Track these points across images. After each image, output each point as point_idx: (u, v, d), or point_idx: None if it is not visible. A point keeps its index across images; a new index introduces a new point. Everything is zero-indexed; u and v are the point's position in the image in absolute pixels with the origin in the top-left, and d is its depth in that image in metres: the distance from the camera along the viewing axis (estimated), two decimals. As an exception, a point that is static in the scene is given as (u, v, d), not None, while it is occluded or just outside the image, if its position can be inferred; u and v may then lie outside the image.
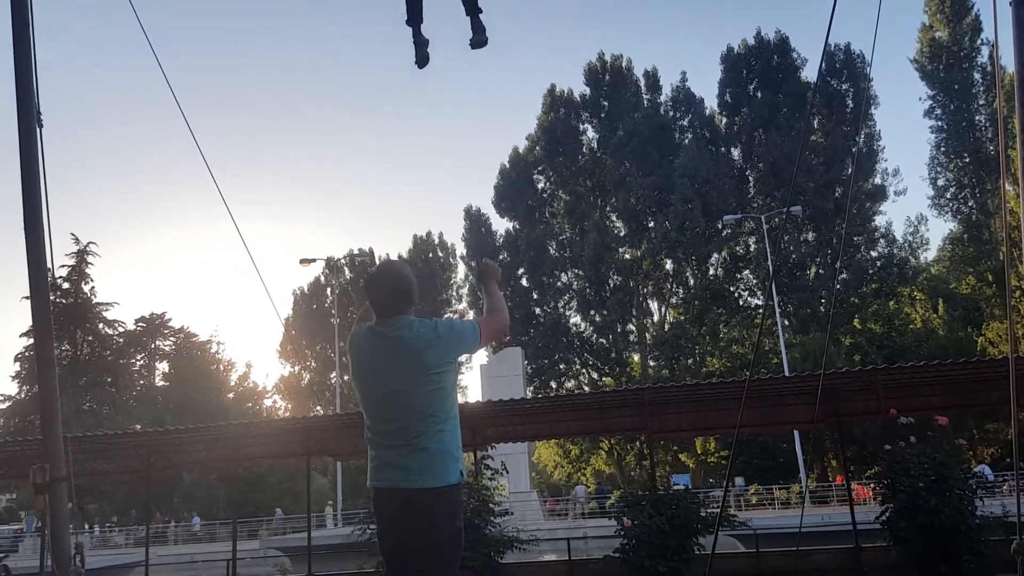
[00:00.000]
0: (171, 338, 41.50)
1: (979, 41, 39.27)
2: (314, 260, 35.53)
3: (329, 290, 50.19)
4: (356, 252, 50.97)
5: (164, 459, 14.47)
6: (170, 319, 40.87)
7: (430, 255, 51.60)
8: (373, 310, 3.17)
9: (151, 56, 5.17)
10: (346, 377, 45.88)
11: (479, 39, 4.82)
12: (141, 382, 39.52)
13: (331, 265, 49.38)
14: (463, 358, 3.12)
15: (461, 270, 49.68)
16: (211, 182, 5.30)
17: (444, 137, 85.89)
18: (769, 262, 33.30)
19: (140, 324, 39.57)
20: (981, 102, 39.61)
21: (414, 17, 4.76)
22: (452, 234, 54.35)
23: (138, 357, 39.95)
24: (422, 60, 4.93)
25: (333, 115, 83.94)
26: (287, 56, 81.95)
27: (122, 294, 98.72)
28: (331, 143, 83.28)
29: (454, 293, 51.68)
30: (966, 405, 12.72)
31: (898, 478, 9.23)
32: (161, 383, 40.32)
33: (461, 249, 47.62)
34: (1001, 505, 11.19)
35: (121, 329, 37.82)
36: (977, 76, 39.86)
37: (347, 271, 51.01)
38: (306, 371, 50.09)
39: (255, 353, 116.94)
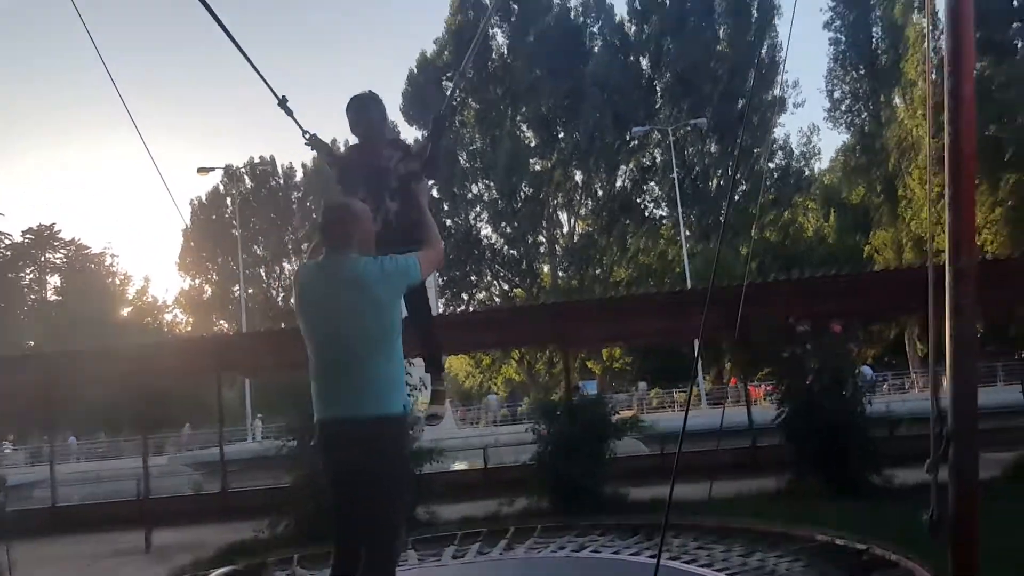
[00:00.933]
0: (62, 251, 39.45)
1: (879, -48, 39.89)
2: (213, 169, 34.17)
3: (229, 200, 48.50)
4: (257, 160, 49.25)
5: (65, 378, 14.00)
6: (60, 231, 38.76)
7: (336, 163, 50.30)
8: (323, 242, 3.21)
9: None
10: (251, 290, 45.02)
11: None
12: (32, 297, 37.59)
13: (230, 174, 47.67)
14: None
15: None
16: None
17: (349, 37, 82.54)
18: (674, 174, 33.96)
19: (27, 236, 37.35)
20: (878, 14, 40.52)
21: None
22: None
23: (27, 271, 37.86)
24: None
25: (234, 11, 79.13)
26: (173, -53, 76.20)
27: (7, 205, 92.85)
28: (228, 43, 78.81)
29: (359, 203, 50.80)
30: (858, 312, 13.53)
31: (795, 382, 9.86)
32: (54, 297, 38.51)
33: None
34: (885, 404, 12.09)
35: (8, 241, 35.64)
36: (875, -14, 40.65)
37: (248, 180, 49.33)
38: (208, 284, 48.76)
39: (153, 267, 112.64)
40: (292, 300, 3.39)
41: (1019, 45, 32.54)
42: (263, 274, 49.35)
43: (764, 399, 31.75)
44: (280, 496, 10.47)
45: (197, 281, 48.47)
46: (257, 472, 15.97)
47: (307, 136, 4.00)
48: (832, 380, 9.46)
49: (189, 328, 46.85)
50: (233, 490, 13.18)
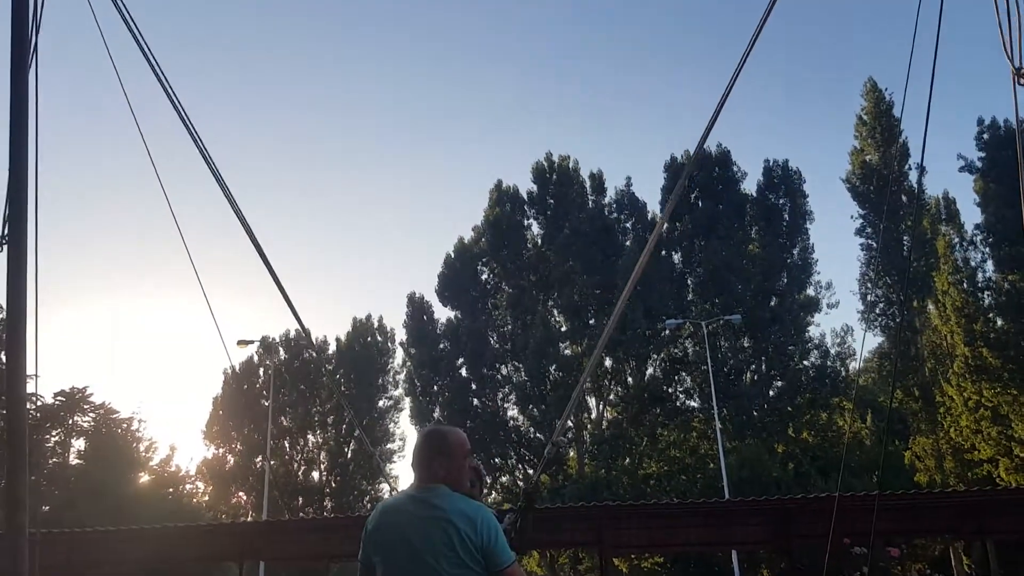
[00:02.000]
0: (91, 414, 39.47)
1: (907, 166, 41.72)
2: (251, 342, 34.72)
3: (262, 370, 48.87)
4: (292, 333, 50.05)
5: (83, 556, 13.53)
6: (91, 394, 38.98)
7: (368, 339, 50.97)
8: (414, 468, 3.10)
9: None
10: (273, 462, 44.35)
11: None
12: (53, 460, 37.29)
13: (266, 345, 48.33)
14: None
15: (399, 356, 49.14)
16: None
17: (389, 221, 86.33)
18: (708, 367, 33.83)
19: (59, 398, 37.60)
20: (909, 224, 41.72)
21: None
22: (392, 319, 54.14)
23: (53, 433, 37.81)
24: None
25: (277, 192, 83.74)
26: (242, 128, 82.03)
27: (42, 365, 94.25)
28: (273, 218, 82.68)
29: (391, 379, 50.98)
30: (913, 531, 12.87)
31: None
32: (76, 461, 38.13)
33: (401, 335, 47.27)
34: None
35: (40, 402, 35.91)
36: (904, 199, 42.15)
37: (282, 351, 49.91)
38: (231, 454, 48.20)
39: (179, 434, 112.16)
40: (367, 527, 3.19)
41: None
42: (287, 445, 48.85)
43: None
44: None
45: (221, 451, 47.99)
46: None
47: None
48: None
49: (207, 498, 45.78)
50: None
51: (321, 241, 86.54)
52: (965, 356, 34.35)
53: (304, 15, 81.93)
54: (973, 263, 38.15)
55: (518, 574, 2.94)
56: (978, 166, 34.87)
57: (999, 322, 33.84)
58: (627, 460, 38.94)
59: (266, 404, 46.43)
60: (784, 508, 11.72)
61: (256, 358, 49.04)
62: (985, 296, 37.15)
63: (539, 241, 43.73)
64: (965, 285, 37.12)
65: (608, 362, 41.20)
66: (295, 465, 49.45)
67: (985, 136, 34.65)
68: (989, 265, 37.35)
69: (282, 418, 48.31)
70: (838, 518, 11.13)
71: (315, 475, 49.89)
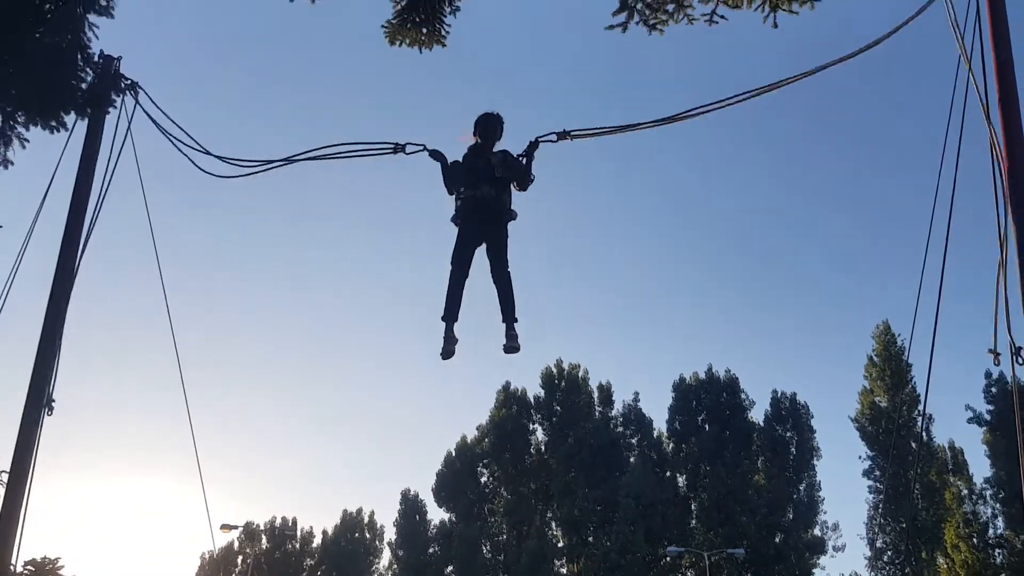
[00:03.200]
0: (56, 586, 37.58)
1: (916, 412, 41.70)
2: (235, 527, 33.52)
3: (241, 558, 46.86)
4: (279, 521, 48.46)
5: None
6: (62, 566, 37.26)
7: (356, 534, 49.06)
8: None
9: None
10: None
11: (511, 345, 5.99)
12: (5, 634, 34.94)
13: (249, 532, 46.61)
14: None
15: (386, 556, 47.05)
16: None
17: (391, 413, 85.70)
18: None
19: (28, 567, 35.84)
20: (918, 471, 41.08)
21: (450, 315, 5.73)
22: (382, 515, 52.31)
23: (16, 605, 35.75)
24: (447, 354, 6.01)
25: (268, 374, 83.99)
26: (227, 312, 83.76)
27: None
28: (262, 402, 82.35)
29: (376, 580, 48.50)
30: None
31: None
32: (30, 638, 35.78)
33: (390, 533, 45.61)
34: None
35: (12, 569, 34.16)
36: (913, 445, 41.78)
37: (264, 539, 48.01)
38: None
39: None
40: None
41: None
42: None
43: None
44: None
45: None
46: None
47: (432, 150, 6.08)
48: None
49: None
50: None
51: (316, 430, 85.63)
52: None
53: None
54: (983, 518, 37.29)
55: None
56: (987, 419, 34.88)
57: (1010, 582, 32.44)
58: None
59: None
60: None
61: (237, 544, 47.14)
62: (996, 554, 35.97)
63: (543, 448, 43.16)
64: (975, 540, 36.06)
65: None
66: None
67: (993, 390, 34.96)
68: (1000, 521, 36.44)
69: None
70: None
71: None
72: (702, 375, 42.84)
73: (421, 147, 6.04)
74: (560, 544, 40.20)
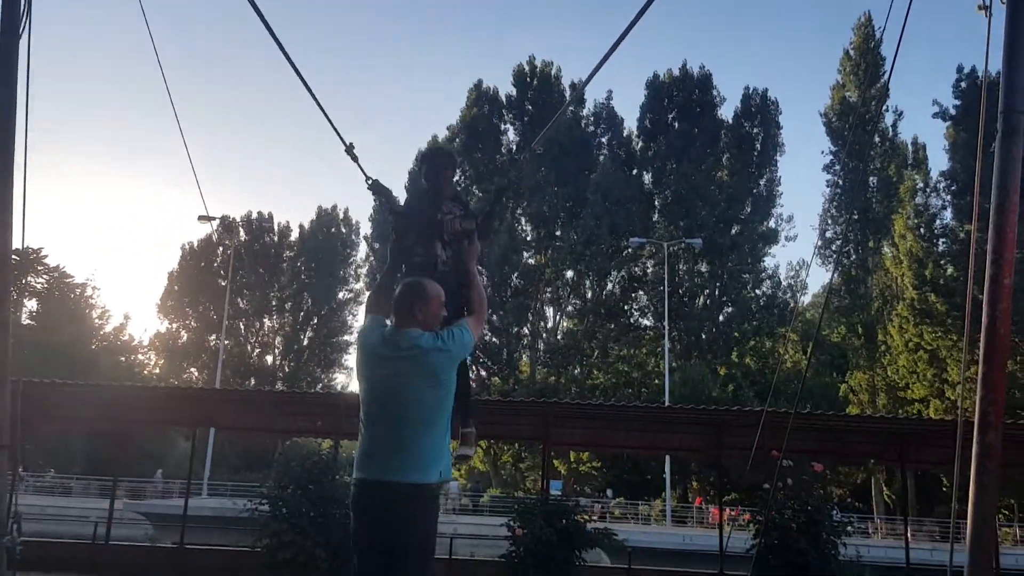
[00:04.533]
0: (44, 276, 39.08)
1: (884, 108, 41.88)
2: (214, 219, 34.33)
3: (221, 249, 48.57)
4: (255, 215, 49.66)
5: (33, 407, 13.69)
6: (46, 255, 38.50)
7: (332, 229, 50.69)
8: (394, 313, 3.40)
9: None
10: (227, 343, 44.59)
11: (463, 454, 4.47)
12: (4, 319, 36.97)
13: (226, 224, 47.89)
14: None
15: (363, 249, 49.09)
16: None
17: (362, 112, 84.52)
18: (665, 288, 34.54)
19: (13, 257, 36.96)
20: (877, 165, 42.15)
21: None
22: (357, 211, 53.65)
23: (6, 292, 37.34)
24: None
25: (253, 69, 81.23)
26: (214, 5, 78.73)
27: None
28: (246, 95, 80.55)
29: (352, 272, 51.02)
30: (837, 453, 13.65)
31: (774, 516, 9.87)
32: (28, 322, 37.94)
33: (366, 228, 47.13)
34: (854, 548, 12.06)
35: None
36: (877, 139, 42.44)
37: (242, 232, 49.50)
38: (184, 329, 48.29)
39: (133, 305, 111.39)
40: (356, 360, 3.54)
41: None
42: (242, 327, 49.02)
43: (728, 524, 31.58)
44: (240, 559, 10.24)
45: (174, 325, 48.03)
46: (213, 530, 15.58)
47: (369, 181, 4.28)
48: (808, 520, 9.48)
49: (158, 370, 46.08)
50: (191, 546, 12.82)
51: (294, 127, 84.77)
52: (912, 299, 35.40)
53: None
54: (933, 210, 38.78)
55: (476, 323, 3.44)
56: (952, 113, 35.00)
57: (950, 270, 34.66)
58: (577, 370, 39.97)
59: (223, 284, 46.42)
60: (718, 420, 12.37)
61: (215, 236, 48.60)
62: (940, 243, 37.97)
63: (513, 147, 43.35)
64: (922, 231, 37.91)
65: (569, 274, 41.71)
66: (249, 347, 49.79)
67: (963, 84, 34.70)
68: (948, 213, 37.93)
69: (239, 300, 48.30)
70: (767, 434, 11.72)
71: (269, 358, 50.35)
72: (676, 72, 42.09)
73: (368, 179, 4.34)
74: (529, 238, 41.92)
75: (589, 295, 42.16)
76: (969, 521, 2.60)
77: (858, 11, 50.31)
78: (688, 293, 39.89)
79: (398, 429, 3.13)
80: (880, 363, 38.09)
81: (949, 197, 37.97)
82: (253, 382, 47.28)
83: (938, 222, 38.42)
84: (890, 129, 43.04)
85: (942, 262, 36.03)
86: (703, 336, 39.64)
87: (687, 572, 13.04)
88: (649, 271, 40.81)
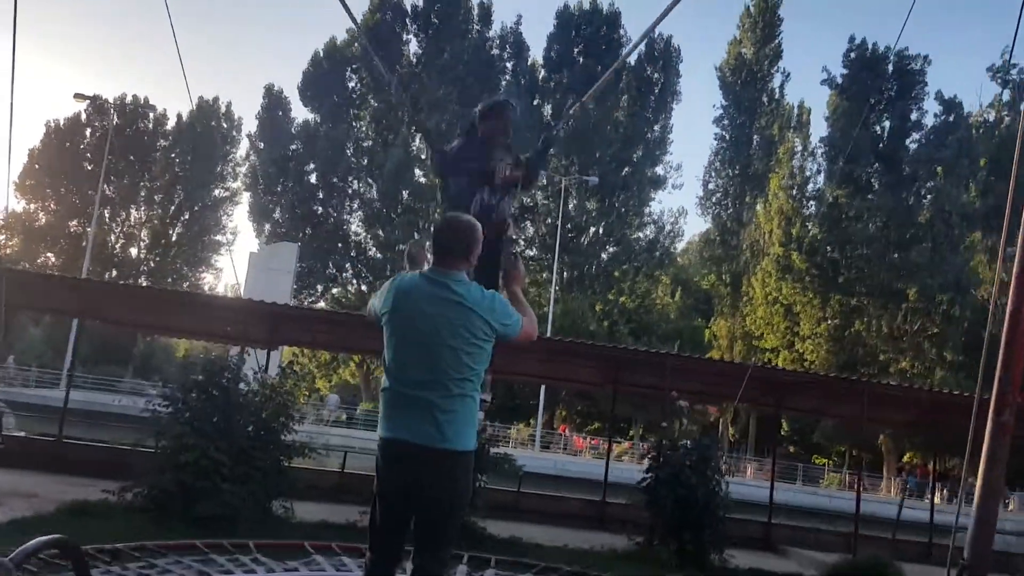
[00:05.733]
0: None
1: (775, 68, 43.52)
2: (90, 98, 31.73)
3: (90, 131, 45.17)
4: (130, 99, 46.31)
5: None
6: None
7: (212, 123, 47.96)
8: (435, 254, 3.18)
9: None
10: (89, 229, 41.94)
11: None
12: None
13: (98, 106, 44.41)
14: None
15: (244, 146, 46.85)
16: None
17: (253, 6, 79.48)
18: (558, 221, 35.11)
19: None
20: (762, 124, 43.93)
21: None
22: (240, 107, 50.75)
23: None
24: None
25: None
26: None
27: None
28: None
29: (230, 170, 48.69)
30: (721, 396, 14.60)
31: (666, 452, 10.56)
32: None
33: (249, 127, 45.05)
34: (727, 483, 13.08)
35: None
36: (764, 99, 44.16)
37: (115, 116, 46.08)
38: (43, 212, 45.02)
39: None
40: (376, 304, 3.26)
41: (875, 185, 36.13)
42: (107, 215, 46.15)
43: (588, 451, 33.25)
44: (126, 458, 9.99)
45: (32, 207, 44.62)
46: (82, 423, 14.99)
47: (417, 119, 4.42)
48: (699, 458, 10.17)
49: (10, 252, 42.88)
50: (69, 440, 12.33)
51: (179, 8, 78.39)
52: (777, 255, 37.61)
53: None
54: (808, 173, 40.98)
55: (526, 331, 3.23)
56: (838, 82, 36.73)
57: (815, 231, 36.87)
58: (459, 292, 40.21)
59: (89, 168, 43.31)
60: (615, 356, 12.92)
61: (85, 117, 45.09)
62: (810, 204, 40.30)
63: (415, 60, 42.15)
64: (795, 192, 40.05)
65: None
66: (113, 237, 47.02)
67: (852, 55, 36.40)
68: (821, 178, 40.18)
69: (105, 187, 45.30)
70: (659, 374, 12.38)
71: (133, 250, 47.79)
72: (586, 5, 41.89)
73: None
74: (423, 156, 41.23)
75: (479, 218, 42.19)
76: (977, 493, 2.90)
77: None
78: (575, 228, 40.67)
79: (435, 388, 2.98)
80: (741, 312, 40.51)
81: (824, 163, 40.16)
82: (115, 274, 44.87)
83: (811, 185, 40.64)
84: (777, 91, 44.82)
85: (808, 224, 38.27)
86: (586, 271, 40.69)
87: (573, 498, 13.75)
88: (539, 202, 41.20)
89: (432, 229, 3.36)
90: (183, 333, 17.00)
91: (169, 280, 45.97)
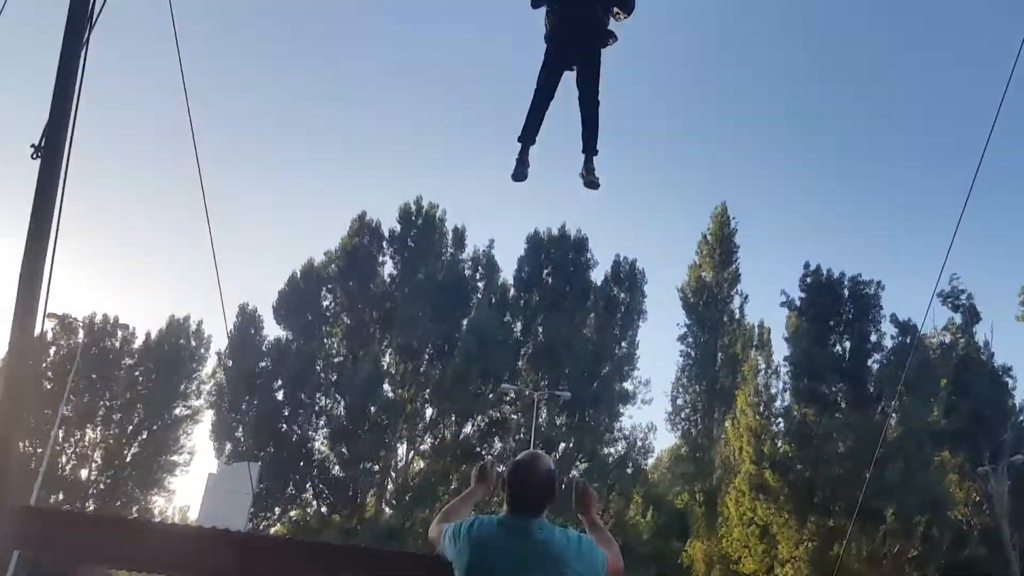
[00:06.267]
0: None
1: (734, 290, 45.72)
2: (59, 317, 31.71)
3: (54, 350, 44.69)
4: (100, 318, 46.36)
5: None
6: None
7: (182, 340, 47.89)
8: (513, 501, 3.05)
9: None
10: (40, 450, 40.20)
11: (591, 180, 5.46)
12: None
13: (65, 324, 44.25)
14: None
15: (211, 364, 46.52)
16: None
17: (228, 230, 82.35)
18: (531, 437, 34.78)
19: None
20: (725, 341, 45.39)
21: (528, 138, 5.16)
22: (210, 325, 50.86)
23: None
24: (519, 177, 5.49)
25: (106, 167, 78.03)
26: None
27: None
28: (99, 197, 76.83)
29: (194, 388, 47.90)
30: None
31: None
32: None
33: (220, 344, 45.04)
34: None
35: None
36: (726, 319, 45.95)
37: (81, 333, 45.83)
38: (-7, 431, 43.23)
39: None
40: (448, 549, 3.06)
41: (842, 404, 36.81)
42: (60, 435, 44.43)
43: None
44: None
45: (-17, 426, 42.92)
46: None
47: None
48: None
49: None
50: None
51: (149, 229, 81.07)
52: (749, 472, 37.35)
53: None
54: (774, 390, 41.87)
55: (616, 566, 3.08)
56: (797, 305, 38.54)
57: (785, 447, 37.04)
58: (428, 512, 38.67)
59: (48, 387, 42.37)
60: None
61: (51, 335, 44.72)
62: (779, 422, 40.74)
63: (389, 281, 43.49)
64: (762, 408, 40.64)
65: (429, 412, 41.19)
66: (64, 458, 45.06)
67: (808, 280, 38.55)
68: (787, 395, 41.05)
69: (61, 406, 44.05)
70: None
71: (84, 472, 45.65)
72: (555, 232, 44.31)
73: None
74: (393, 371, 41.36)
75: (447, 435, 41.61)
76: None
77: (716, 200, 55.59)
78: (546, 443, 40.19)
79: None
80: (716, 533, 39.43)
81: (788, 381, 41.22)
82: (62, 496, 42.54)
83: (777, 403, 41.39)
84: (738, 311, 46.80)
85: (778, 441, 38.43)
86: (561, 488, 39.66)
87: None
88: (511, 417, 41.01)
89: (509, 472, 3.22)
90: (133, 565, 15.74)
91: (118, 503, 43.66)
